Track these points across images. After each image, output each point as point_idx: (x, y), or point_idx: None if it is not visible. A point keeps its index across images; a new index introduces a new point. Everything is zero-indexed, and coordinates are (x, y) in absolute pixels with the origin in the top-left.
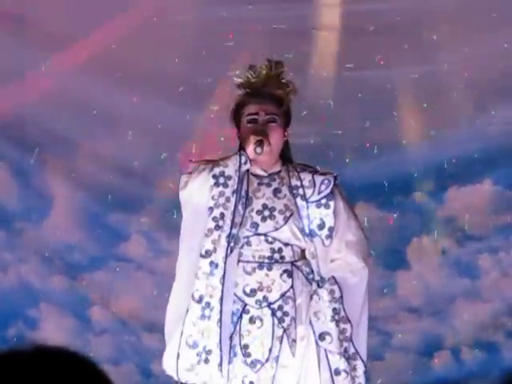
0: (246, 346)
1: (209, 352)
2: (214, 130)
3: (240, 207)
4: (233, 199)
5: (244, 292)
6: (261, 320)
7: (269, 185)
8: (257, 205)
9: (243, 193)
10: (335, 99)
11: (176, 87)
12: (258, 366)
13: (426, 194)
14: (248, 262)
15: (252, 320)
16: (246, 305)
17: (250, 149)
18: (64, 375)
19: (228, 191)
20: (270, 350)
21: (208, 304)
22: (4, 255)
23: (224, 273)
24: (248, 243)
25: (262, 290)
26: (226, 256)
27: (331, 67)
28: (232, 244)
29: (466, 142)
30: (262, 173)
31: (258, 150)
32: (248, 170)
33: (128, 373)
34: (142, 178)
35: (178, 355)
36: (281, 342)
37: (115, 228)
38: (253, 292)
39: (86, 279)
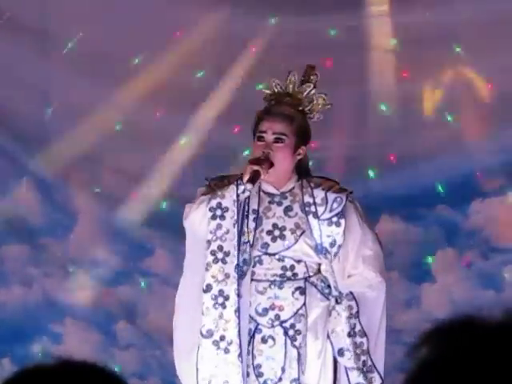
0: (258, 366)
1: None
2: (237, 145)
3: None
4: (234, 230)
5: (256, 311)
6: (273, 339)
7: (280, 203)
8: (267, 225)
9: (253, 212)
10: (358, 112)
11: (199, 101)
12: None
13: (451, 207)
14: (260, 280)
15: (264, 339)
16: (258, 324)
17: (245, 180)
18: None
19: (226, 223)
20: (283, 370)
21: (222, 337)
22: (29, 270)
23: (239, 306)
24: (260, 262)
25: (273, 309)
26: (239, 286)
27: (355, 81)
28: (243, 266)
29: (491, 155)
30: (273, 191)
31: (248, 186)
32: (259, 188)
33: None
34: (166, 192)
35: None
36: (298, 363)
37: (140, 242)
38: (265, 311)
39: (110, 294)
